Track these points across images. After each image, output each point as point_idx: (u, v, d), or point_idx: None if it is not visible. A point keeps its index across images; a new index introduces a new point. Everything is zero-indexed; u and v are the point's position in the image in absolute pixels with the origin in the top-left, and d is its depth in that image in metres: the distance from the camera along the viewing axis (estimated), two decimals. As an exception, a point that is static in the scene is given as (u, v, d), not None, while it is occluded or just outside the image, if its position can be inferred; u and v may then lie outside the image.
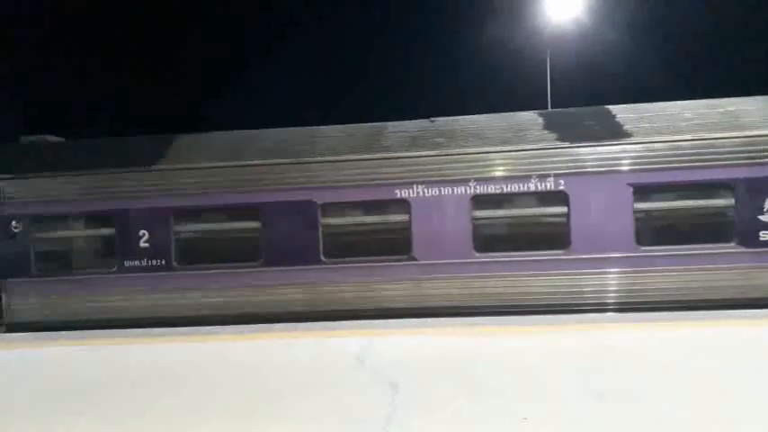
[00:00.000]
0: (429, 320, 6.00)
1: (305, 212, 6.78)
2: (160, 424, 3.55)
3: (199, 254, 7.10)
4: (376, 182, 6.72)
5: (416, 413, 3.46)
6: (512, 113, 7.51)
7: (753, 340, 4.73)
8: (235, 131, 7.93)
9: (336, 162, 6.77)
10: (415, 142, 6.99)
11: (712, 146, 6.35)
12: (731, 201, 6.32)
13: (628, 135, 6.55)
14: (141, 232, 6.99)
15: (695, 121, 6.65)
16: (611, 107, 7.33)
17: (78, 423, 3.64)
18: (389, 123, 7.57)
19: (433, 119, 7.60)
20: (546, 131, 6.83)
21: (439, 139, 7.01)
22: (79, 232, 7.43)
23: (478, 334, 5.34)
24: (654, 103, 7.28)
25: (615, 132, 6.62)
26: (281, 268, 6.84)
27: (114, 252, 7.07)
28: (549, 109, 16.56)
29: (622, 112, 7.08)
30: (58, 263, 7.41)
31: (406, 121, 7.59)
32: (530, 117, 7.28)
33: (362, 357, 4.65)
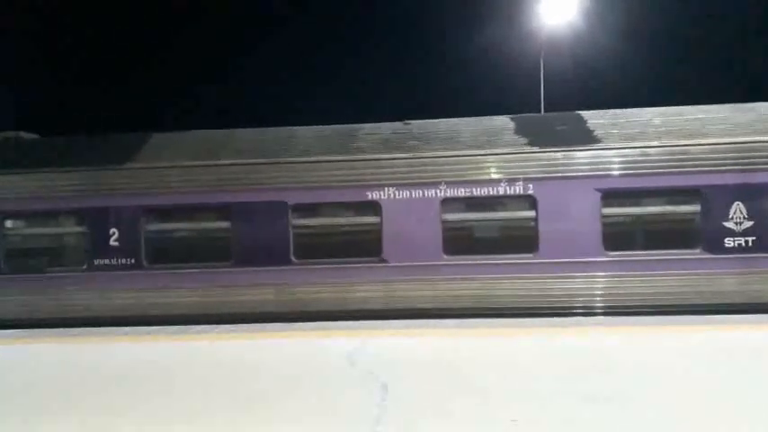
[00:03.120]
0: (421, 322, 6.03)
1: (276, 213, 6.79)
2: (147, 423, 3.53)
3: (169, 253, 7.09)
4: (347, 183, 6.74)
5: (406, 414, 3.47)
6: (487, 117, 7.57)
7: (745, 345, 4.77)
8: (212, 130, 7.93)
9: (307, 163, 6.79)
10: (388, 145, 7.02)
11: (679, 153, 6.42)
12: (697, 207, 6.39)
13: (596, 141, 6.61)
14: (112, 231, 6.97)
15: (664, 128, 6.72)
16: (583, 113, 7.40)
17: (63, 422, 3.60)
18: (365, 125, 7.60)
19: (407, 122, 7.63)
20: (517, 136, 6.89)
21: (412, 142, 7.04)
22: (50, 230, 7.40)
23: (469, 335, 5.37)
24: (626, 110, 7.36)
25: (584, 138, 6.68)
26: (252, 268, 6.83)
27: (85, 250, 7.04)
28: (543, 112, 16.69)
29: (594, 118, 7.15)
30: (29, 261, 7.36)
31: (382, 124, 7.62)
32: (503, 122, 7.33)
33: (354, 358, 4.66)
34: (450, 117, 7.60)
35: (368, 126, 7.57)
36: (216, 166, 6.91)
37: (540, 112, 18.96)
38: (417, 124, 7.50)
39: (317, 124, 7.77)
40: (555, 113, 7.54)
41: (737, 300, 6.33)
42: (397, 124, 7.56)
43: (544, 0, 19.21)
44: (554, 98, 20.41)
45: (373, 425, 3.30)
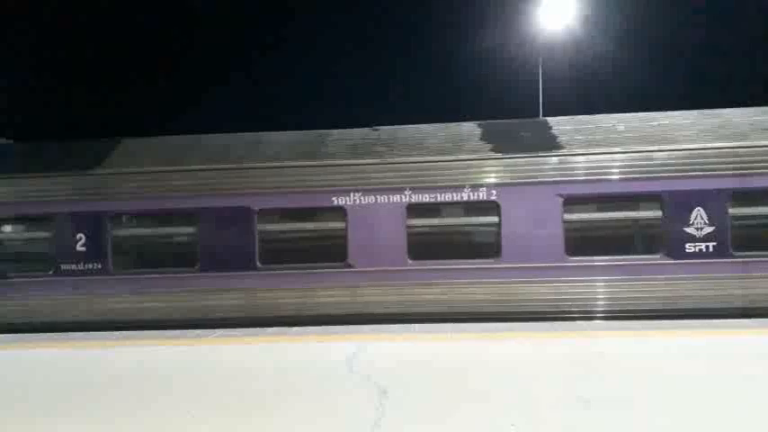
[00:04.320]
0: (418, 326, 6.04)
1: (241, 219, 6.81)
2: (147, 426, 3.54)
3: (136, 258, 7.11)
4: (313, 189, 6.77)
5: (404, 418, 3.48)
6: (456, 124, 7.61)
7: (745, 349, 4.79)
8: (183, 136, 7.96)
9: (273, 168, 6.82)
10: (355, 150, 7.06)
11: (641, 158, 6.47)
12: (658, 213, 6.44)
13: (559, 147, 6.66)
14: (78, 236, 6.98)
15: (627, 134, 6.77)
16: (551, 119, 7.46)
17: (61, 427, 3.61)
18: (335, 131, 7.65)
19: (376, 127, 7.67)
20: (482, 142, 6.93)
21: (380, 148, 7.08)
22: (17, 234, 7.41)
23: (467, 340, 5.38)
24: (595, 116, 7.42)
25: (548, 144, 6.73)
26: (218, 274, 6.86)
27: (51, 255, 7.05)
28: (541, 117, 16.71)
29: (560, 124, 7.20)
30: None
31: (352, 129, 7.66)
32: (470, 128, 7.38)
33: (352, 362, 4.67)
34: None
35: (337, 132, 7.62)
36: (182, 171, 6.93)
37: (539, 116, 19.01)
38: (386, 130, 7.54)
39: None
40: (523, 120, 7.59)
41: (698, 305, 6.38)
42: (366, 130, 7.61)
43: (543, 5, 19.32)
44: (553, 102, 20.51)
45: (372, 429, 3.31)
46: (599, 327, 5.95)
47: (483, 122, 7.54)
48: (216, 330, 6.12)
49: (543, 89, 20.43)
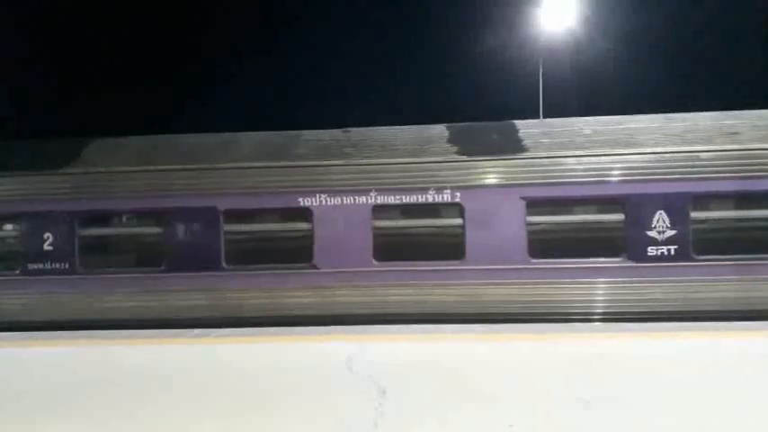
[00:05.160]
0: (419, 327, 6.01)
1: (207, 219, 6.83)
2: (146, 426, 3.53)
3: (103, 258, 7.13)
4: (279, 190, 6.80)
5: (404, 419, 3.48)
6: (426, 126, 7.64)
7: (745, 351, 4.78)
8: (156, 136, 7.99)
9: (239, 169, 6.84)
10: (324, 152, 7.09)
11: (604, 162, 6.50)
12: (621, 216, 6.47)
13: (524, 150, 6.69)
14: (46, 235, 7.00)
15: (593, 137, 6.81)
16: (521, 122, 7.50)
17: (62, 425, 3.61)
18: (307, 132, 7.68)
19: (347, 129, 7.71)
20: (448, 145, 6.96)
21: (348, 150, 7.11)
22: None
23: (467, 341, 5.37)
24: (562, 119, 7.46)
25: (513, 147, 6.76)
26: (183, 274, 6.87)
27: (19, 254, 7.06)
28: (542, 118, 16.77)
29: (527, 127, 7.24)
30: None
31: (323, 130, 7.69)
32: (439, 130, 7.41)
33: (352, 363, 4.65)
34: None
35: (308, 132, 7.65)
36: (149, 171, 6.95)
37: (539, 117, 19.06)
38: (356, 131, 7.57)
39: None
40: (494, 122, 7.61)
41: (661, 308, 6.41)
42: (337, 131, 7.64)
43: (543, 6, 19.36)
44: (553, 103, 20.54)
45: (371, 430, 3.32)
46: (599, 329, 5.93)
47: (453, 125, 7.58)
48: (215, 330, 6.08)
49: (543, 90, 20.51)
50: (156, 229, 6.97)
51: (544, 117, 18.68)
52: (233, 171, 6.84)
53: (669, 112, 7.31)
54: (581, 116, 7.56)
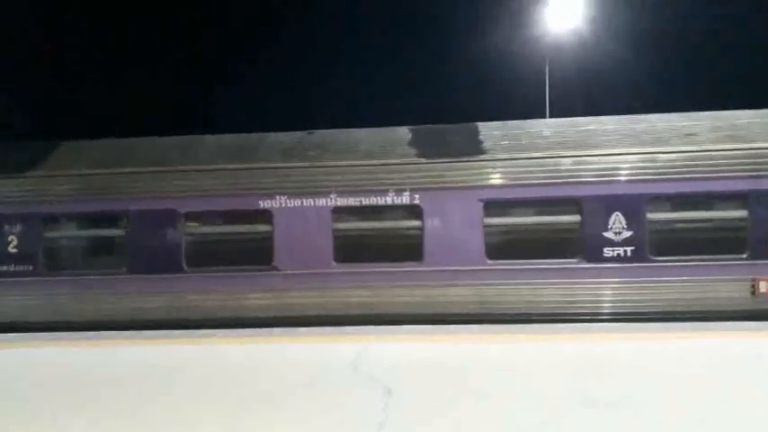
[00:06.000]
0: (424, 327, 5.99)
1: (168, 221, 6.87)
2: (149, 426, 3.54)
3: (67, 260, 7.17)
4: (239, 192, 6.83)
5: (410, 419, 3.47)
6: (390, 128, 7.68)
7: (748, 351, 4.77)
8: (125, 139, 8.04)
9: (199, 171, 6.88)
10: (287, 154, 7.12)
11: (560, 163, 6.54)
12: (577, 217, 6.50)
13: (482, 152, 6.73)
14: (10, 237, 7.04)
15: (552, 139, 6.85)
16: (483, 124, 7.53)
17: (64, 425, 3.61)
18: (272, 134, 7.72)
19: (311, 131, 7.75)
20: (409, 147, 7.00)
21: (311, 152, 7.14)
22: None
23: (471, 341, 5.35)
24: (523, 121, 7.49)
25: (472, 149, 6.80)
26: (145, 276, 6.91)
27: None
28: (548, 118, 16.77)
29: (488, 130, 7.27)
30: None
31: (287, 133, 7.73)
32: (403, 133, 7.45)
33: (357, 363, 4.65)
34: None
35: (273, 134, 7.69)
36: (112, 174, 6.99)
37: (545, 116, 19.04)
38: (320, 134, 7.62)
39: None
40: (457, 125, 7.64)
41: (617, 308, 6.44)
42: (301, 133, 7.68)
43: (549, 5, 19.37)
44: (559, 102, 20.51)
45: (377, 429, 3.31)
46: (603, 329, 5.88)
47: (417, 127, 7.62)
48: (220, 330, 6.09)
49: (550, 89, 20.50)
50: (118, 232, 7.01)
51: (550, 116, 18.69)
52: (193, 173, 6.88)
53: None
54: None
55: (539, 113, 19.63)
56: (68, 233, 7.26)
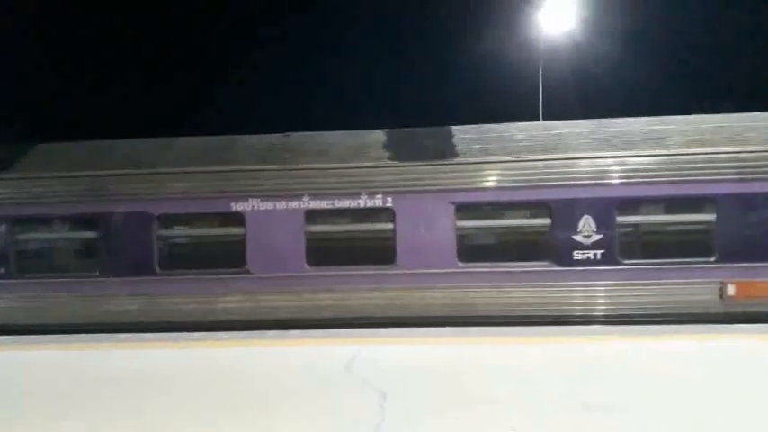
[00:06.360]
0: (418, 330, 5.99)
1: (140, 223, 6.86)
2: (148, 429, 3.53)
3: (39, 263, 7.14)
4: (212, 194, 6.83)
5: (405, 422, 3.46)
6: (365, 131, 7.71)
7: (747, 353, 4.81)
8: (99, 141, 8.02)
9: (172, 174, 6.87)
10: (261, 156, 7.13)
11: (531, 167, 6.58)
12: (547, 221, 6.55)
13: (454, 155, 6.76)
14: None
15: (523, 143, 6.89)
16: (457, 127, 7.57)
17: (63, 428, 3.61)
18: (245, 136, 7.73)
19: (287, 134, 7.76)
20: (382, 150, 7.03)
21: (285, 155, 7.15)
22: None
23: (467, 343, 5.35)
24: (499, 124, 7.53)
25: (444, 152, 6.83)
26: (118, 279, 6.89)
27: None
28: (541, 120, 16.77)
29: (462, 133, 7.31)
30: None
31: (263, 135, 7.74)
32: (378, 136, 7.48)
33: (351, 365, 4.65)
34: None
35: (248, 137, 7.70)
36: (84, 176, 6.98)
37: (538, 119, 19.10)
38: (295, 136, 7.63)
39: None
40: (432, 128, 7.68)
41: (586, 312, 6.48)
42: (277, 136, 7.69)
43: (543, 8, 19.46)
44: (553, 105, 20.57)
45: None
46: (599, 331, 5.92)
47: (392, 130, 7.64)
48: (216, 333, 6.09)
49: (543, 93, 20.56)
50: (92, 234, 6.99)
51: (544, 119, 18.75)
52: (166, 176, 6.87)
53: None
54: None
55: (532, 116, 19.71)
56: (41, 236, 7.23)
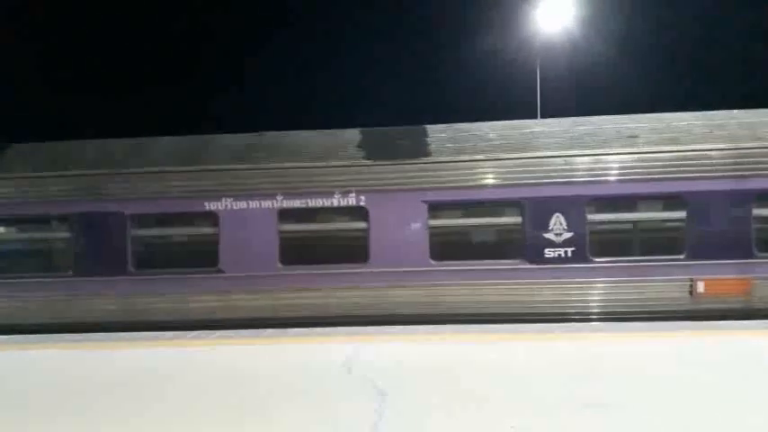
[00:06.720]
0: (418, 328, 5.96)
1: (114, 223, 6.84)
2: (144, 429, 3.51)
3: (13, 263, 7.10)
4: (185, 194, 6.82)
5: (404, 420, 3.45)
6: (341, 130, 7.71)
7: (743, 350, 4.80)
8: (73, 141, 7.98)
9: (144, 174, 6.86)
10: (235, 155, 7.12)
11: (502, 166, 6.61)
12: (519, 219, 6.58)
13: (427, 154, 6.78)
14: None
15: (496, 142, 6.92)
16: (432, 126, 7.59)
17: (61, 429, 3.58)
18: (219, 136, 7.73)
19: (262, 133, 7.75)
20: (357, 149, 7.03)
21: (259, 154, 7.15)
22: None
23: (466, 342, 5.33)
24: (472, 123, 7.55)
25: (417, 151, 6.85)
26: (91, 279, 6.87)
27: None
28: (539, 119, 16.80)
29: (436, 132, 7.33)
30: None
31: (238, 135, 7.73)
32: (352, 134, 7.48)
33: (350, 364, 4.64)
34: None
35: (222, 136, 7.70)
36: (57, 176, 6.95)
37: (536, 117, 19.14)
38: (269, 135, 7.62)
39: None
40: (407, 127, 7.69)
41: (558, 309, 6.52)
42: (251, 135, 7.68)
43: (541, 6, 19.50)
44: (550, 103, 20.63)
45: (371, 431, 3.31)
46: (598, 329, 5.89)
47: (366, 129, 7.65)
48: (215, 332, 6.06)
49: (541, 91, 20.61)
50: (66, 234, 6.96)
51: (542, 117, 18.81)
52: (139, 176, 6.85)
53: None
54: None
55: (530, 114, 19.75)
56: (13, 236, 7.19)
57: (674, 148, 6.57)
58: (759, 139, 6.59)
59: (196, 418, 3.63)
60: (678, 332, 5.44)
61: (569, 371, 4.32)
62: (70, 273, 6.92)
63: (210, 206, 6.80)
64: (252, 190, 6.79)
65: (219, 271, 6.78)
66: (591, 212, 6.53)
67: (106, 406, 3.92)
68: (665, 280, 6.48)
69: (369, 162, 6.77)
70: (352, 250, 6.77)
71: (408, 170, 6.69)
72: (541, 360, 4.64)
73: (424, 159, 6.72)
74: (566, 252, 6.50)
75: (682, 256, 6.49)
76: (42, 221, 7.11)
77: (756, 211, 6.45)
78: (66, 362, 5.14)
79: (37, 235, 7.25)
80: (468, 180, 6.62)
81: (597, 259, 6.50)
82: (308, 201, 6.77)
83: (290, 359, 4.98)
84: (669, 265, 6.49)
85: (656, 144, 6.63)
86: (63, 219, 6.96)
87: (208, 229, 6.85)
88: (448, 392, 3.92)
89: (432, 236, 6.64)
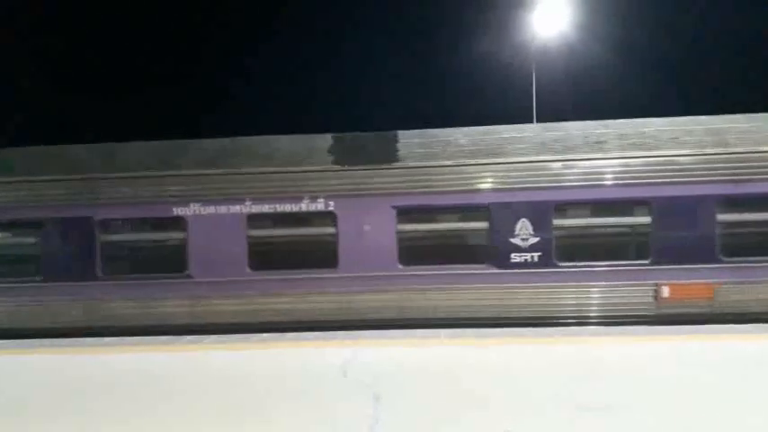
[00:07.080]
0: (414, 332, 5.94)
1: (82, 229, 6.83)
2: (146, 430, 3.54)
3: None
4: (153, 199, 6.82)
5: (399, 424, 3.46)
6: (314, 135, 7.71)
7: (741, 354, 4.83)
8: (44, 146, 7.96)
9: (113, 179, 6.86)
10: (207, 160, 7.13)
11: (469, 171, 6.65)
12: (486, 224, 6.62)
13: (396, 159, 6.81)
14: None
15: (465, 148, 6.96)
16: (404, 132, 7.59)
17: (61, 430, 3.61)
18: (196, 140, 7.71)
19: (235, 137, 7.75)
20: (327, 154, 7.05)
21: (233, 159, 7.15)
22: None
23: (461, 345, 5.34)
24: (443, 129, 7.57)
25: (387, 157, 6.88)
26: (60, 284, 6.86)
27: None
28: (534, 123, 16.77)
29: (408, 138, 7.34)
30: None
31: (212, 139, 7.72)
32: (324, 140, 7.49)
33: (346, 368, 4.65)
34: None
35: (196, 141, 7.68)
36: (26, 181, 6.94)
37: (532, 121, 19.18)
38: (241, 140, 7.62)
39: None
40: (378, 132, 7.70)
41: (525, 313, 6.57)
42: (225, 140, 7.68)
43: (536, 11, 19.55)
44: (546, 107, 20.67)
45: None
46: (595, 332, 5.94)
47: (338, 135, 7.65)
48: (209, 336, 6.07)
49: (537, 95, 20.65)
50: (34, 240, 6.95)
51: (537, 121, 18.84)
52: (108, 181, 6.85)
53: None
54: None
55: (526, 119, 19.79)
56: None
57: (641, 153, 6.63)
58: (725, 144, 6.66)
59: (191, 423, 3.66)
60: (678, 336, 5.46)
61: (568, 373, 4.34)
62: (41, 278, 6.90)
63: (179, 211, 6.80)
64: (220, 195, 6.80)
65: (188, 276, 6.79)
66: (557, 217, 6.58)
67: (103, 411, 3.93)
68: (630, 285, 6.54)
69: (337, 167, 6.80)
70: (322, 255, 6.79)
71: (377, 175, 6.72)
72: (537, 363, 4.66)
73: (393, 165, 6.75)
74: (532, 257, 6.55)
75: (647, 261, 6.55)
76: (11, 226, 7.09)
77: (720, 217, 6.52)
78: (61, 366, 5.12)
79: (5, 240, 7.22)
80: (436, 185, 6.66)
81: (563, 264, 6.55)
82: (277, 206, 6.78)
83: (286, 363, 5.00)
84: (634, 270, 6.55)
85: (623, 150, 6.69)
86: (32, 224, 6.94)
87: (176, 234, 6.86)
88: (443, 396, 3.95)
89: (401, 240, 6.67)
